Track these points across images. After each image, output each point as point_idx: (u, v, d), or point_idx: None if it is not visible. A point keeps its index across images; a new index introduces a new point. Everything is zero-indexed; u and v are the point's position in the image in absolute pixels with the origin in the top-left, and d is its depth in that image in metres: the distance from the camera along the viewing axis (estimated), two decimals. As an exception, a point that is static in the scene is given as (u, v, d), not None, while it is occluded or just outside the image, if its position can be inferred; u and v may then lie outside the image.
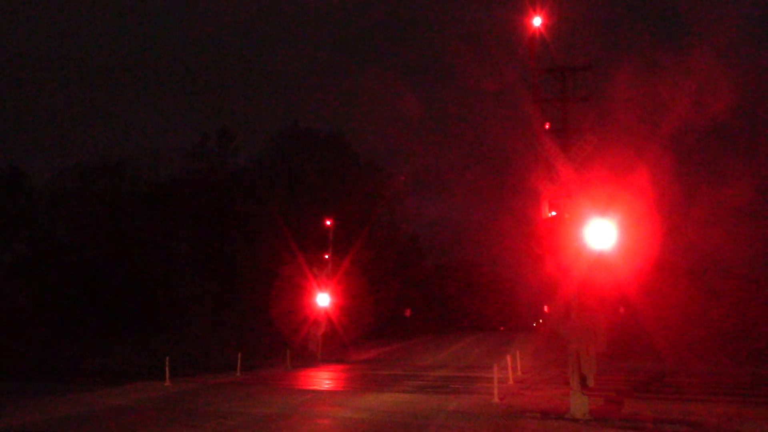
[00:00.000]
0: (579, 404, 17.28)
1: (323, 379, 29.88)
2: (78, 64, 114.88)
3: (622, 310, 34.07)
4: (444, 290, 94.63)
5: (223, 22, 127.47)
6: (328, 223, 42.26)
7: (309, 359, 39.96)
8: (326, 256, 41.66)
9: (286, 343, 40.01)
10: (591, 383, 17.28)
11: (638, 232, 21.55)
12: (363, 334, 54.77)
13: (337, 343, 46.25)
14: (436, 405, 20.32)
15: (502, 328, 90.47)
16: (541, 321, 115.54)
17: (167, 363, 26.11)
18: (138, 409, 20.09)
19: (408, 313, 79.65)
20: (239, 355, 31.75)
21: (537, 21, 18.72)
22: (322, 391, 25.30)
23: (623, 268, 21.11)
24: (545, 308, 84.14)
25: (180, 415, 18.68)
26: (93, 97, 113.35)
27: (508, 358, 28.01)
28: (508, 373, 26.91)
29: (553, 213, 18.08)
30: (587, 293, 17.65)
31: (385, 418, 18.05)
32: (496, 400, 20.90)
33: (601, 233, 16.81)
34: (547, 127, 19.13)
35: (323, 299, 42.10)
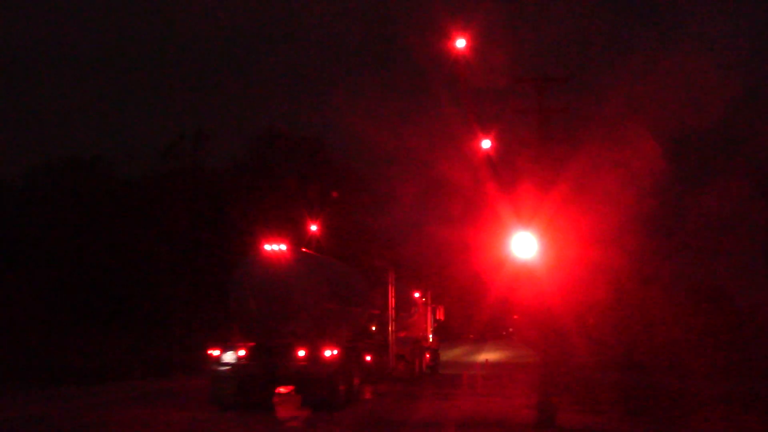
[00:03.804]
0: (546, 413, 17.36)
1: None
2: (52, 59, 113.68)
3: (591, 321, 34.27)
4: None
5: (204, 22, 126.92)
6: (314, 228, 42.07)
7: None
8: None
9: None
10: (558, 392, 17.38)
11: (613, 244, 21.75)
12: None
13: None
14: (399, 411, 20.33)
15: (472, 336, 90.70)
16: (511, 330, 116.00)
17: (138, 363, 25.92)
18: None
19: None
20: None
21: (461, 43, 18.51)
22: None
23: (594, 280, 21.31)
24: (515, 317, 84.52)
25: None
26: (67, 92, 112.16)
27: (477, 366, 28.09)
28: (477, 381, 26.98)
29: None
30: (556, 303, 17.76)
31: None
32: (465, 408, 20.94)
33: (572, 244, 16.94)
34: (486, 146, 19.38)
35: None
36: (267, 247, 19.92)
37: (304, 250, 22.63)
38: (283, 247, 19.96)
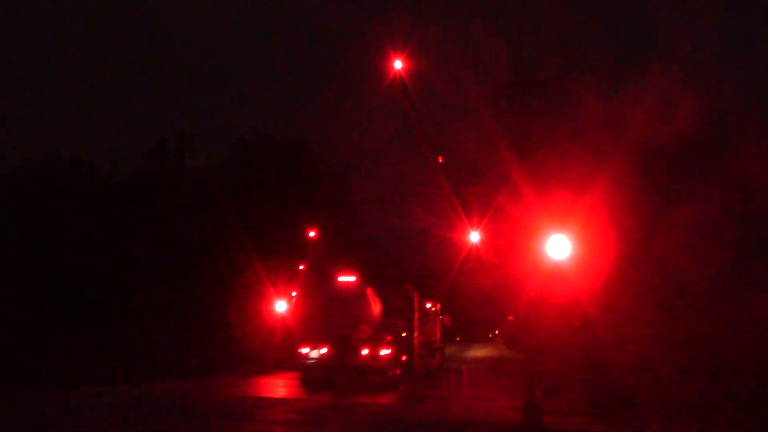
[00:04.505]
0: (532, 415, 17.38)
1: (278, 387, 29.75)
2: (35, 61, 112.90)
3: (576, 323, 34.43)
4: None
5: (187, 24, 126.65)
6: (312, 234, 42.36)
7: (264, 366, 39.76)
8: (300, 267, 41.35)
9: (242, 349, 39.72)
10: (545, 396, 17.43)
11: (595, 247, 21.82)
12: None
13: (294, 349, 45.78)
14: (391, 414, 20.33)
15: (458, 338, 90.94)
16: (497, 332, 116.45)
17: (119, 366, 25.80)
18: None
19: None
20: (191, 360, 31.49)
21: (398, 64, 19.33)
22: (276, 399, 25.20)
23: (580, 283, 21.34)
24: (510, 317, 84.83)
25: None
26: (50, 94, 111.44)
27: (464, 368, 28.31)
28: (463, 382, 27.17)
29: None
30: (544, 307, 17.80)
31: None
32: (452, 409, 20.96)
33: (558, 247, 16.95)
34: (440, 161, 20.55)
35: (280, 306, 41.68)
36: (341, 278, 28.29)
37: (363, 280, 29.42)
38: (353, 278, 28.22)
